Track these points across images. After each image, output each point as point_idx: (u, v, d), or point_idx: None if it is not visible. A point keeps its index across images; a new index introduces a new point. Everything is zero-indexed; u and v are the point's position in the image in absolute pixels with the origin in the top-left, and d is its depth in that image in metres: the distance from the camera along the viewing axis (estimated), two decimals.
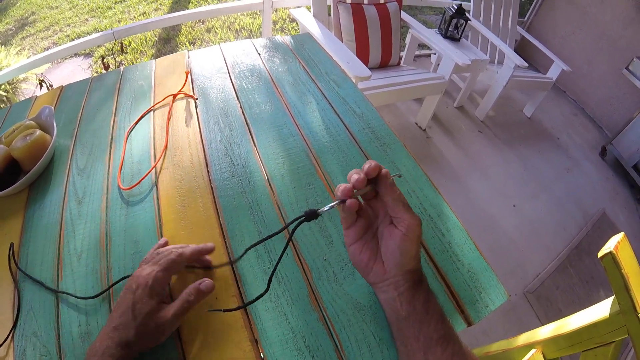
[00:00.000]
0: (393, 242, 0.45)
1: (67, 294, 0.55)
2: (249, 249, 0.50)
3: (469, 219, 2.08)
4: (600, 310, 0.69)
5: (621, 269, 0.62)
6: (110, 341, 0.42)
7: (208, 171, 0.72)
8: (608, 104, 3.23)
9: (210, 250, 0.56)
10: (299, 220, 0.44)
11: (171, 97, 0.89)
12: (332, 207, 0.44)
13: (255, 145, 0.77)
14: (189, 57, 1.02)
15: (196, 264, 0.56)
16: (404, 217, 0.44)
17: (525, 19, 3.83)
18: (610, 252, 0.62)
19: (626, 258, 0.63)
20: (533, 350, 0.83)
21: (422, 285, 0.46)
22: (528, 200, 2.33)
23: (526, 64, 2.36)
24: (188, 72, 0.95)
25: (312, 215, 0.44)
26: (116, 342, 0.42)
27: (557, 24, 3.57)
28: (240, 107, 0.86)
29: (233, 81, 0.94)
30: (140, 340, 0.43)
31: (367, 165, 0.44)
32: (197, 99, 0.89)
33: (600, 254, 0.64)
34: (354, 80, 1.53)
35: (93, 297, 0.54)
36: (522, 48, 3.52)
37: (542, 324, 0.86)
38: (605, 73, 3.20)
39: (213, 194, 0.67)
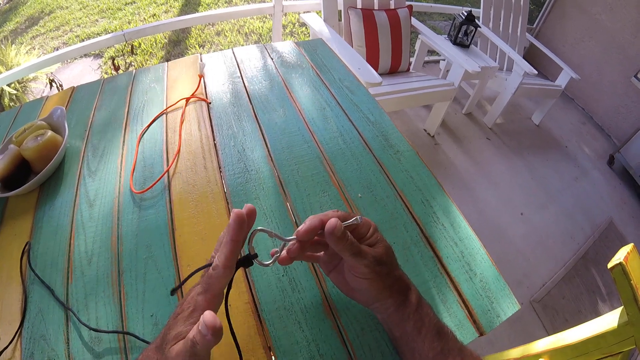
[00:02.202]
0: (350, 277, 0.44)
1: (73, 312, 0.53)
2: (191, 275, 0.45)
3: (476, 227, 2.03)
4: (608, 320, 0.70)
5: (631, 280, 0.62)
6: None
7: (221, 176, 0.71)
8: (617, 112, 3.21)
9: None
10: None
11: (184, 101, 0.88)
12: (268, 264, 0.41)
13: (269, 151, 0.77)
14: (202, 61, 1.02)
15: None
16: (352, 264, 0.43)
17: (534, 25, 3.82)
18: (620, 263, 0.63)
19: (636, 269, 0.64)
20: None
21: (409, 304, 0.44)
22: (535, 208, 2.32)
23: (535, 72, 2.35)
24: (201, 76, 0.95)
25: (245, 261, 0.39)
26: None
27: (566, 31, 3.56)
28: (254, 112, 0.86)
29: (246, 85, 0.94)
30: None
31: (299, 228, 0.42)
32: (210, 103, 0.89)
33: (610, 265, 0.65)
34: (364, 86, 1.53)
35: (98, 330, 0.51)
36: (530, 55, 3.50)
37: (548, 334, 0.85)
38: (614, 81, 3.19)
39: (227, 200, 0.67)
